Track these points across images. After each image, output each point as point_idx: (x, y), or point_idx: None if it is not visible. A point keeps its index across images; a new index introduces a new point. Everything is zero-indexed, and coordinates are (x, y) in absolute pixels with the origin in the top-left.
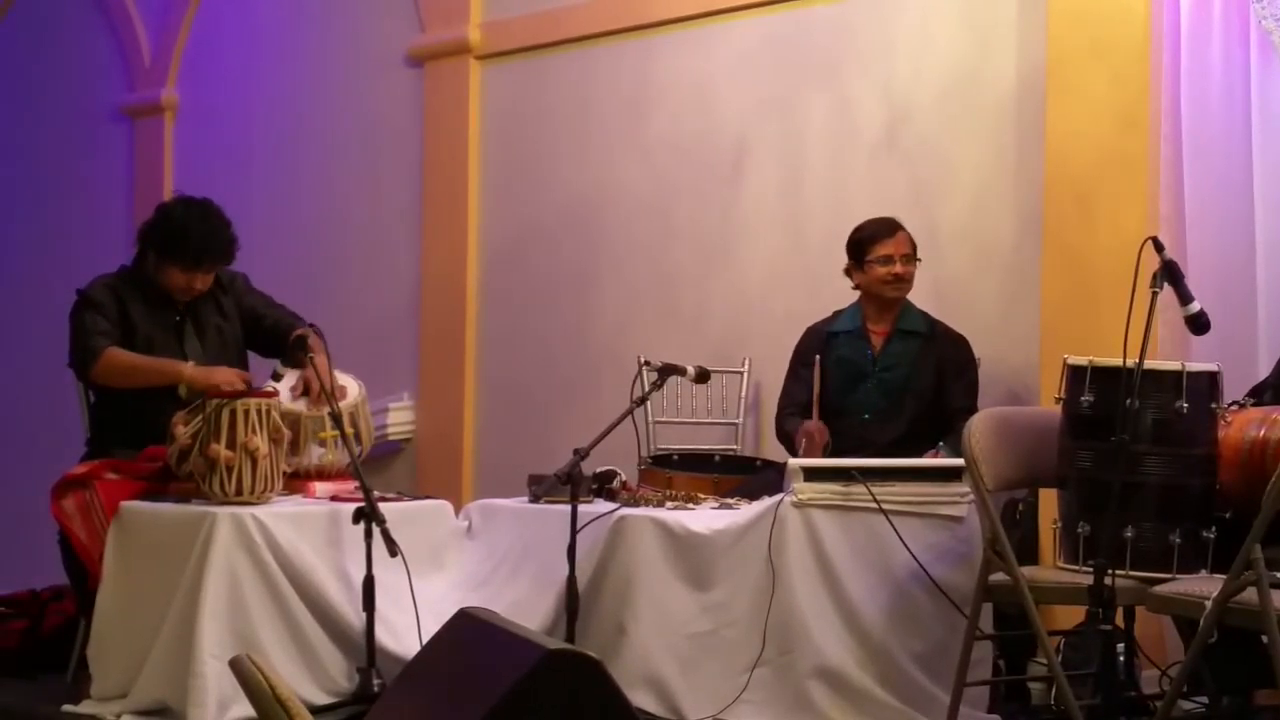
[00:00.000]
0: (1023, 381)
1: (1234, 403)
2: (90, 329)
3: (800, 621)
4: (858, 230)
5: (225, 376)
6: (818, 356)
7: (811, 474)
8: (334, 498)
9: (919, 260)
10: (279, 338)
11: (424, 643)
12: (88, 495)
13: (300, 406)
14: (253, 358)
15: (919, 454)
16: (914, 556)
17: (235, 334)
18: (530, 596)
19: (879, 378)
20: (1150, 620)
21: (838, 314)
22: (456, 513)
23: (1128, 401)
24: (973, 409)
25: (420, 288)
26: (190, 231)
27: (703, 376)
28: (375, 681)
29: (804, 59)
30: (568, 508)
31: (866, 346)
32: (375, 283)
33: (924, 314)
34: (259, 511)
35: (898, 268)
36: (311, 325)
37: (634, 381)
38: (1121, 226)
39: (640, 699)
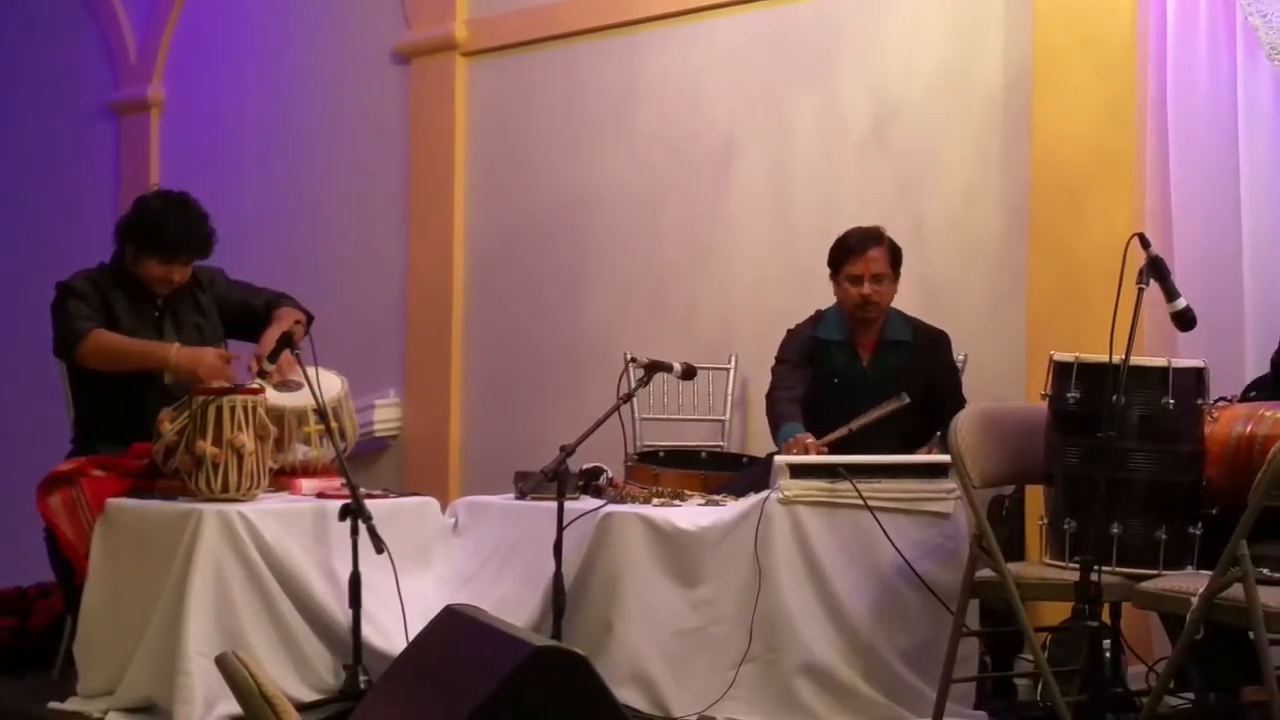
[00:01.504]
0: (1009, 378)
1: (1220, 399)
2: (75, 313)
3: (787, 618)
4: (839, 239)
5: (211, 357)
6: (811, 355)
7: (798, 471)
8: (320, 495)
9: (897, 273)
10: (271, 320)
11: (410, 640)
12: (74, 492)
13: (283, 400)
14: (244, 348)
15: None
16: (900, 553)
17: (215, 331)
18: (517, 593)
19: (870, 393)
20: (1137, 616)
21: (820, 315)
22: (443, 510)
23: (1114, 398)
24: (960, 403)
25: (407, 284)
26: (167, 224)
27: (689, 373)
28: (362, 678)
29: (792, 56)
30: (554, 504)
31: (856, 360)
32: (362, 279)
33: (904, 318)
34: (245, 509)
35: (866, 289)
36: (296, 304)
37: (620, 378)
38: (1108, 222)
39: (627, 695)
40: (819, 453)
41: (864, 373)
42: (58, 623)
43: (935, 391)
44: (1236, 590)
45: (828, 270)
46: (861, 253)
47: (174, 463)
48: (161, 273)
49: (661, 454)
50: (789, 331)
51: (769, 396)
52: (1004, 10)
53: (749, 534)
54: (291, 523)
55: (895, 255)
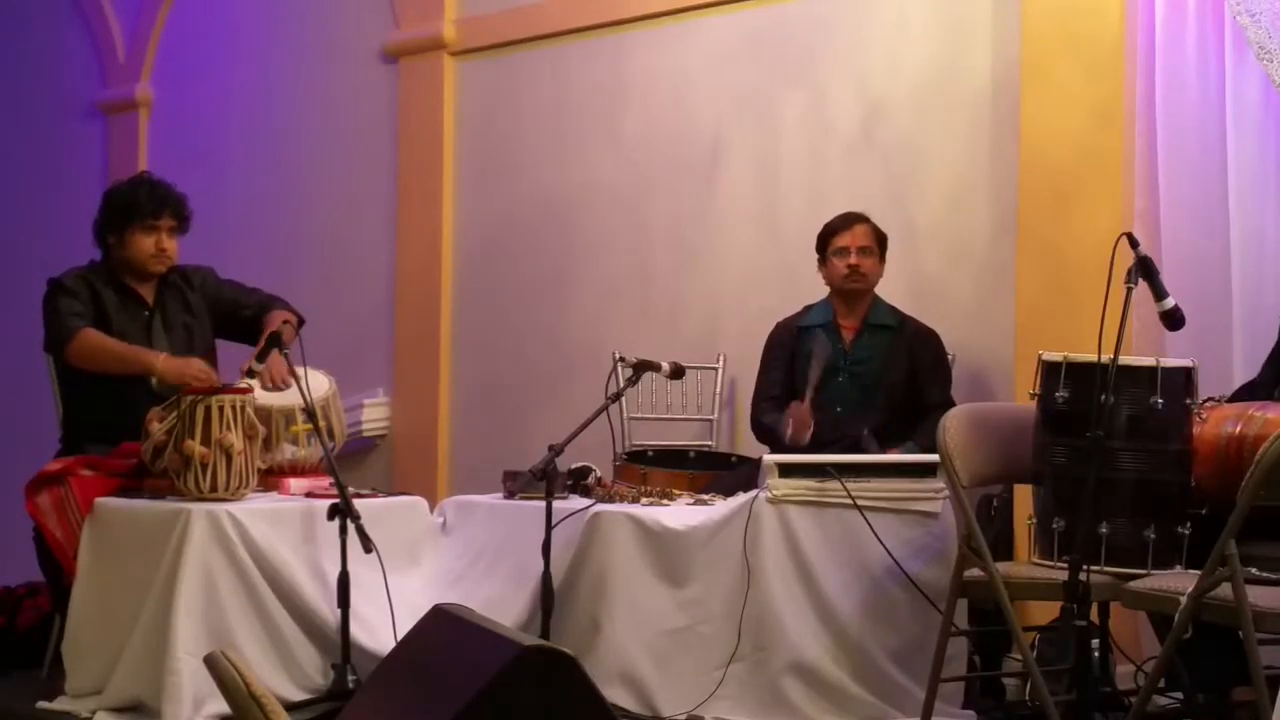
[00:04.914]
0: (998, 377)
1: (1209, 399)
2: (66, 310)
3: (775, 617)
4: (825, 225)
5: (198, 369)
6: (792, 350)
7: (786, 470)
8: (309, 494)
9: (883, 255)
10: (261, 324)
11: (399, 639)
12: (63, 491)
13: (271, 400)
14: (230, 349)
15: (893, 447)
16: (889, 552)
17: (204, 332)
18: (505, 593)
19: (851, 371)
20: (1125, 616)
21: (808, 309)
22: (432, 509)
23: (1103, 397)
24: (949, 403)
25: (395, 284)
26: (138, 192)
27: (678, 373)
28: (350, 678)
29: (780, 55)
30: (543, 504)
31: (838, 341)
32: (350, 279)
33: (893, 308)
34: (234, 508)
35: (852, 259)
36: (288, 307)
37: (609, 377)
38: (1096, 222)
39: (616, 695)
40: (810, 421)
41: (844, 353)
42: (45, 622)
43: (917, 386)
44: (1225, 589)
45: (816, 261)
46: (848, 227)
47: (162, 462)
48: (151, 245)
49: (650, 453)
50: (775, 325)
51: (752, 413)
52: (992, 9)
53: (737, 533)
54: (280, 522)
55: (880, 237)
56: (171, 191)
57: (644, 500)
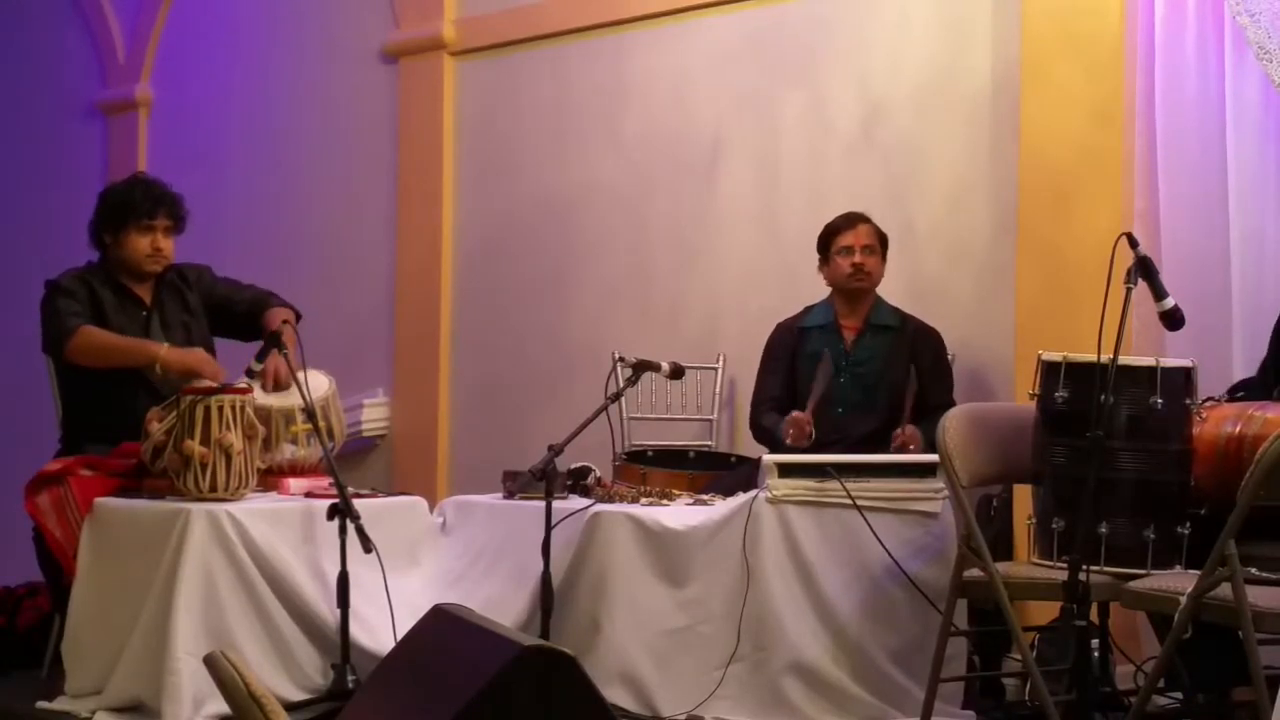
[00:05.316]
0: (997, 377)
1: (1209, 398)
2: (64, 311)
3: (775, 617)
4: (826, 226)
5: (200, 358)
6: (793, 352)
7: (786, 470)
8: (309, 494)
9: (884, 255)
10: (256, 320)
11: (398, 639)
12: (62, 491)
13: (270, 400)
14: (230, 349)
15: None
16: (888, 552)
17: (202, 330)
18: (505, 593)
19: (852, 372)
20: (1125, 616)
21: (809, 309)
22: (431, 509)
23: (1102, 397)
24: (950, 403)
25: (395, 284)
26: (134, 191)
27: (677, 373)
28: (350, 678)
29: (779, 56)
30: (542, 504)
31: (839, 341)
32: (350, 279)
33: (895, 309)
34: (233, 508)
35: (857, 258)
36: (283, 302)
37: (609, 377)
38: (1096, 222)
39: (615, 695)
40: (810, 428)
41: (845, 353)
42: (45, 622)
43: (918, 386)
44: (1225, 589)
45: (817, 261)
46: (851, 227)
47: (162, 462)
48: (147, 245)
49: (649, 453)
50: (776, 327)
51: (751, 414)
52: (992, 9)
53: (737, 533)
54: (279, 522)
55: (882, 237)
56: (167, 191)
57: (644, 500)
